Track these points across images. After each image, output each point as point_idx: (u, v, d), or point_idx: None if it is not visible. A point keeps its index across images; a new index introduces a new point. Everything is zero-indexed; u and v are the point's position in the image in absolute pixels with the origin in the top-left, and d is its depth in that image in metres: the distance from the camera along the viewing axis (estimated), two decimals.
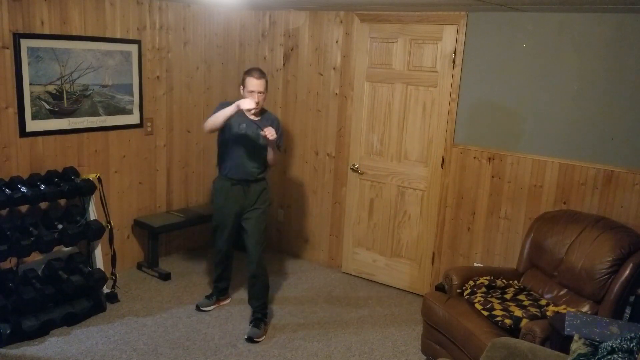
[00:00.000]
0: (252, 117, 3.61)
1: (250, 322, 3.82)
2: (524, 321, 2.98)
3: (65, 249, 3.95)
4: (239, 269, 4.89)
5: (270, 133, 3.50)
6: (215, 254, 4.05)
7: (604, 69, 3.56)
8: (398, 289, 4.62)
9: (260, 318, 3.81)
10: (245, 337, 3.69)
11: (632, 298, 3.01)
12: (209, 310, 4.07)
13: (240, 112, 3.50)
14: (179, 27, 4.74)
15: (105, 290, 4.07)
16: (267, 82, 3.64)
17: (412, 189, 4.46)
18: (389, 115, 4.49)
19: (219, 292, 4.14)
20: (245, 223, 3.79)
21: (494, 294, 3.34)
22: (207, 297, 4.13)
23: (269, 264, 4.99)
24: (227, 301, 4.23)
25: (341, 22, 4.61)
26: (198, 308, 4.07)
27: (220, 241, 3.92)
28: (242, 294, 4.33)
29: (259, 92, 3.57)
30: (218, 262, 4.05)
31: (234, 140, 3.67)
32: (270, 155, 3.72)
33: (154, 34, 4.54)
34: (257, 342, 3.68)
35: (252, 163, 3.70)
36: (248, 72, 3.62)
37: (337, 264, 4.98)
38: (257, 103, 3.51)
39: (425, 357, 3.54)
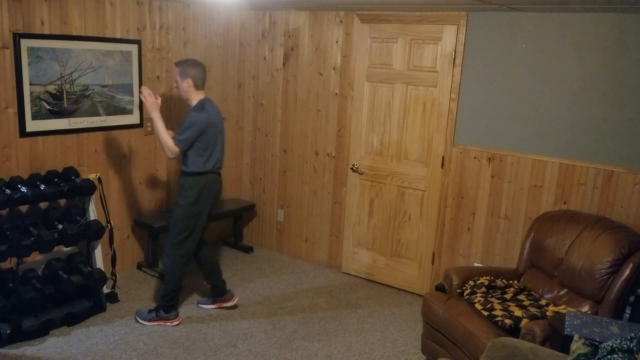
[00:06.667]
0: None
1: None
2: (524, 321, 2.98)
3: (65, 249, 3.95)
4: (237, 269, 4.89)
5: (143, 95, 3.60)
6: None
7: (604, 69, 3.56)
8: (398, 289, 4.62)
9: (157, 306, 3.85)
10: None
11: (632, 298, 3.01)
12: (206, 308, 4.08)
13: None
14: (179, 27, 4.74)
15: (105, 290, 4.07)
16: (178, 70, 3.67)
17: (412, 189, 4.46)
18: (389, 115, 4.49)
19: (213, 291, 4.10)
20: None
21: (494, 294, 3.34)
22: (208, 296, 4.16)
23: (269, 264, 5.00)
24: (230, 303, 4.09)
25: (341, 22, 4.61)
26: (198, 305, 4.13)
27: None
28: (241, 295, 4.34)
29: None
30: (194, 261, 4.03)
31: None
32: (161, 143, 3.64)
33: (154, 34, 4.54)
34: (139, 322, 3.80)
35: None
36: None
37: (337, 264, 4.98)
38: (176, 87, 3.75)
39: (425, 357, 3.54)
